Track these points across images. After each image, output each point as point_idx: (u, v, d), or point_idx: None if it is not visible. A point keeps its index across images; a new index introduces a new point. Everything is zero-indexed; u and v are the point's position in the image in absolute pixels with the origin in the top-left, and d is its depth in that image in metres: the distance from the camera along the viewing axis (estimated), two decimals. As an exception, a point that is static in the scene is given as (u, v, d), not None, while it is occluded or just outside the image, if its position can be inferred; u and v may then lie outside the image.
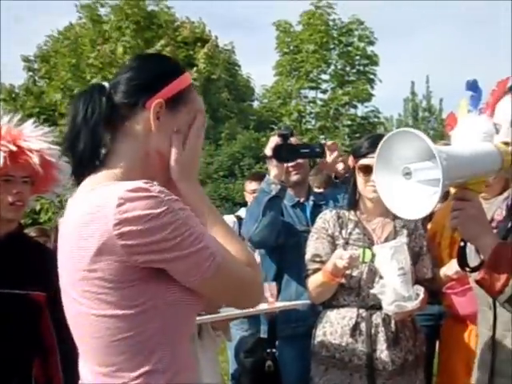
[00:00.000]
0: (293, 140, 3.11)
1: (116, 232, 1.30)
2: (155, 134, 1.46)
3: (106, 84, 1.52)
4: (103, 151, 1.49)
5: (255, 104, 20.74)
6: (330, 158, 3.18)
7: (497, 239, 1.79)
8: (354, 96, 17.95)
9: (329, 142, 3.28)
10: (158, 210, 1.31)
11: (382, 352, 2.66)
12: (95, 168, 1.46)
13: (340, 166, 3.36)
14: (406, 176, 1.70)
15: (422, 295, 2.63)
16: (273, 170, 3.08)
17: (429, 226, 3.18)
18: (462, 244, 1.87)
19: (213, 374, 2.81)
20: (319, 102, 18.66)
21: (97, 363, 1.41)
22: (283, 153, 3.01)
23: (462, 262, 1.90)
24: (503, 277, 1.74)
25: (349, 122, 18.55)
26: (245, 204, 5.30)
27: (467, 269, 1.89)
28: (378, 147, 1.75)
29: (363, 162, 2.77)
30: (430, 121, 23.11)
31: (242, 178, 13.49)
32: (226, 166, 15.10)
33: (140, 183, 1.34)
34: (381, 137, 2.79)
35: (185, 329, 1.45)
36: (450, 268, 2.86)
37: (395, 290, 2.60)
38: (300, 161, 3.20)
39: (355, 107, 18.46)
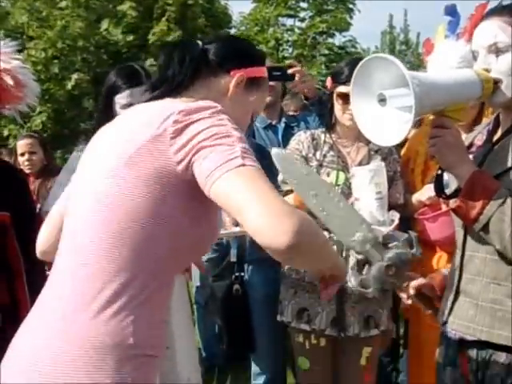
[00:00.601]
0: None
1: (172, 129, 1.36)
2: (227, 100, 1.59)
3: (200, 42, 1.64)
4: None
5: (233, 31, 20.36)
6: (297, 77, 3.09)
7: (473, 167, 1.74)
8: (332, 24, 17.67)
9: (287, 63, 3.20)
10: (211, 110, 1.39)
11: (352, 275, 2.65)
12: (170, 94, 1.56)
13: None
14: (380, 102, 1.66)
15: (396, 221, 2.60)
16: None
17: (402, 152, 3.13)
18: (439, 172, 1.84)
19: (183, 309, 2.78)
20: (297, 31, 18.37)
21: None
22: None
23: (439, 190, 1.87)
24: (478, 205, 1.69)
25: (326, 51, 18.33)
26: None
27: (443, 196, 1.86)
28: (354, 73, 1.70)
29: (342, 89, 2.70)
30: (406, 54, 23.04)
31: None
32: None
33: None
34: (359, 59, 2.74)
35: (175, 271, 1.48)
36: (423, 194, 2.83)
37: (371, 214, 2.56)
38: (271, 83, 3.11)
39: (333, 36, 18.22)
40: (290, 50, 18.40)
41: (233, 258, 3.26)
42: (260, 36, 18.02)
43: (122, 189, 1.38)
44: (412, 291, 2.02)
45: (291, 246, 1.24)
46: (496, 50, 1.77)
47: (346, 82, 2.64)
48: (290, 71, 3.03)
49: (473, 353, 1.81)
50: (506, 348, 1.74)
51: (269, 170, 2.90)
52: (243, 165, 1.30)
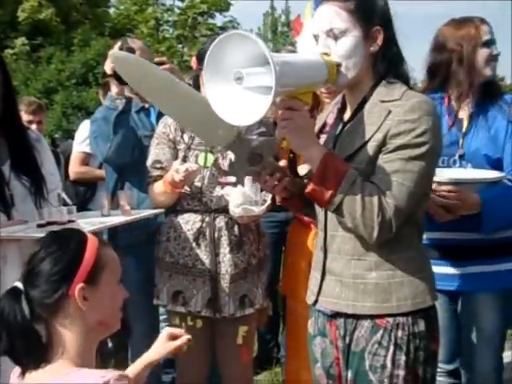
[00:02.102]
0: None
1: None
2: (87, 311, 1.51)
3: (19, 285, 1.51)
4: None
5: (111, 10, 19.86)
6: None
7: (324, 149, 1.80)
8: (212, 5, 17.64)
9: (156, 60, 3.13)
10: None
11: (225, 256, 2.66)
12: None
13: None
14: (237, 81, 1.64)
15: (269, 201, 2.62)
16: (114, 87, 2.96)
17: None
18: (292, 155, 1.88)
19: None
20: (177, 10, 18.20)
21: None
22: None
23: (292, 172, 1.94)
24: (331, 187, 1.76)
25: (207, 32, 18.29)
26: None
27: (299, 177, 1.93)
28: (208, 52, 1.66)
29: None
30: (288, 35, 23.36)
31: (97, 86, 13.00)
32: (79, 73, 14.44)
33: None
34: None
35: None
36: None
37: (244, 193, 2.57)
38: None
39: (213, 17, 18.20)
40: (171, 30, 18.24)
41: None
42: (139, 16, 17.75)
43: None
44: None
45: None
46: (333, 35, 1.84)
47: None
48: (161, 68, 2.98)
49: (340, 321, 1.92)
50: (369, 316, 1.87)
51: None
52: None
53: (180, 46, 17.34)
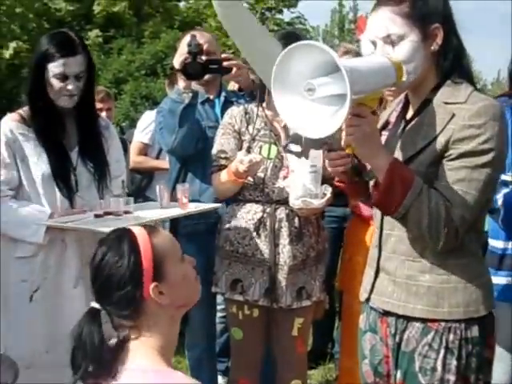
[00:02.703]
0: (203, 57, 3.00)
1: None
2: (168, 302, 1.53)
3: (96, 305, 1.53)
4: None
5: (181, 4, 20.15)
6: (233, 71, 3.08)
7: (389, 158, 1.77)
8: (281, 0, 17.66)
9: (223, 56, 3.15)
10: None
11: (285, 247, 2.69)
12: None
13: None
14: (308, 92, 1.61)
15: (328, 195, 2.63)
16: (181, 81, 3.01)
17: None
18: (356, 161, 1.87)
19: None
20: (245, 5, 18.28)
21: None
22: (191, 70, 2.94)
23: (353, 176, 1.94)
24: (397, 196, 1.74)
25: (275, 28, 18.31)
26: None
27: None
28: (276, 64, 1.64)
29: None
30: (355, 33, 23.13)
31: (165, 77, 13.20)
32: (148, 64, 14.71)
33: None
34: (296, 36, 2.73)
35: None
36: None
37: (304, 186, 2.59)
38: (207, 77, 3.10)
39: (281, 12, 18.21)
40: (239, 24, 18.39)
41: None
42: (208, 10, 17.88)
43: None
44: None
45: None
46: (391, 42, 1.81)
47: None
48: (225, 64, 3.02)
49: (392, 319, 1.91)
50: (419, 318, 1.85)
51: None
52: None
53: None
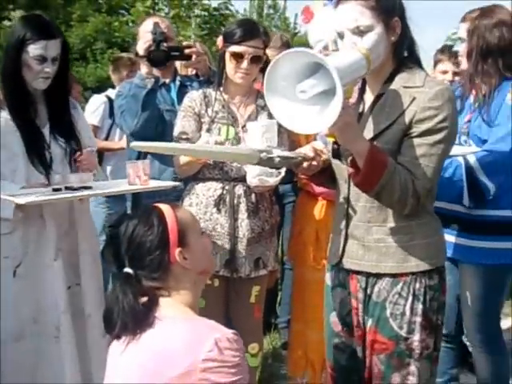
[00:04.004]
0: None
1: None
2: (191, 268, 1.79)
3: (129, 270, 1.76)
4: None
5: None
6: (193, 58, 3.27)
7: (368, 144, 2.01)
8: (208, -15, 17.65)
9: (184, 44, 3.34)
10: None
11: (243, 221, 2.90)
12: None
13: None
14: (301, 94, 1.85)
15: (283, 173, 2.83)
16: (144, 67, 3.19)
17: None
18: (336, 146, 2.09)
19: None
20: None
21: None
22: (155, 57, 3.15)
23: (338, 157, 2.16)
24: (376, 177, 1.99)
25: (201, 12, 18.29)
26: (99, 89, 5.41)
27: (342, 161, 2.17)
28: (266, 72, 1.87)
29: (235, 49, 2.89)
30: (273, 18, 23.28)
31: (94, 62, 13.12)
32: (77, 48, 14.56)
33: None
34: (254, 25, 2.98)
35: None
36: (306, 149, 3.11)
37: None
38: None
39: (209, -3, 18.19)
40: (167, 9, 18.25)
41: (128, 210, 3.44)
42: (136, -7, 17.75)
43: None
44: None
45: None
46: (359, 32, 2.05)
47: (240, 42, 2.87)
48: (186, 51, 3.21)
49: (362, 277, 2.19)
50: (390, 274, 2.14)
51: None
52: None
53: (174, 25, 17.33)
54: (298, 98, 1.86)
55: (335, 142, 2.05)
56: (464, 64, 2.87)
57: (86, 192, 2.67)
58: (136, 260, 1.76)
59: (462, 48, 2.87)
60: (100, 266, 2.96)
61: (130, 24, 17.10)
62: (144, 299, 1.75)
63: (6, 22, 15.41)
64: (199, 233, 1.88)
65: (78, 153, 2.82)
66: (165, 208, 1.82)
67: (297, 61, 1.84)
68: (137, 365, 1.70)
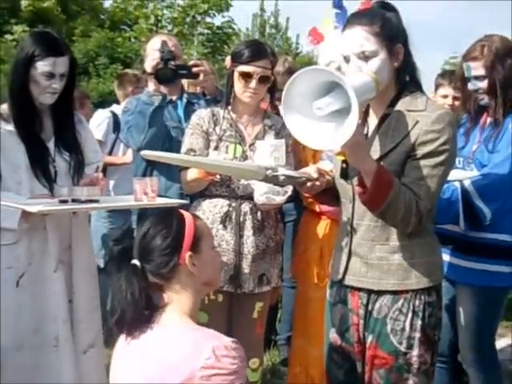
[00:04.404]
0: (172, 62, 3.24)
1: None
2: (197, 274, 1.82)
3: (136, 262, 1.81)
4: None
5: (109, 3, 20.02)
6: (201, 76, 3.33)
7: (375, 164, 2.08)
8: (214, 5, 17.83)
9: (192, 62, 3.39)
10: None
11: (249, 238, 2.95)
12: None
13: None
14: (318, 111, 1.94)
15: (289, 192, 2.88)
16: (151, 85, 3.26)
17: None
18: (344, 165, 2.14)
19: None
20: (178, 8, 18.32)
21: None
22: (163, 75, 3.20)
23: (346, 177, 2.20)
24: (383, 196, 2.07)
25: (205, 31, 18.46)
26: (102, 104, 5.48)
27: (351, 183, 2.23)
28: (284, 90, 1.95)
29: (244, 69, 2.96)
30: (275, 38, 23.41)
31: (97, 76, 13.21)
32: (80, 63, 14.63)
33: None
34: (262, 45, 3.05)
35: None
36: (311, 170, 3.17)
37: (268, 184, 2.85)
38: None
39: (212, 16, 18.39)
40: (170, 27, 18.42)
41: (133, 225, 3.47)
42: (139, 11, 17.89)
43: None
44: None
45: None
46: (364, 57, 2.14)
47: (248, 62, 2.94)
48: (195, 70, 3.28)
49: (364, 293, 2.25)
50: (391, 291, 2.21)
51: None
52: None
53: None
54: (313, 115, 1.95)
55: (344, 161, 2.11)
56: (486, 100, 2.92)
57: (93, 205, 2.71)
58: (146, 253, 1.81)
59: (483, 84, 2.90)
60: (95, 281, 3.00)
61: (133, 40, 17.28)
62: (148, 292, 1.80)
63: (9, 36, 15.52)
64: (212, 245, 1.94)
65: (84, 178, 2.85)
66: (186, 214, 1.89)
67: (314, 79, 1.92)
68: (140, 373, 1.75)
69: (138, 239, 1.85)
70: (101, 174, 2.86)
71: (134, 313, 1.77)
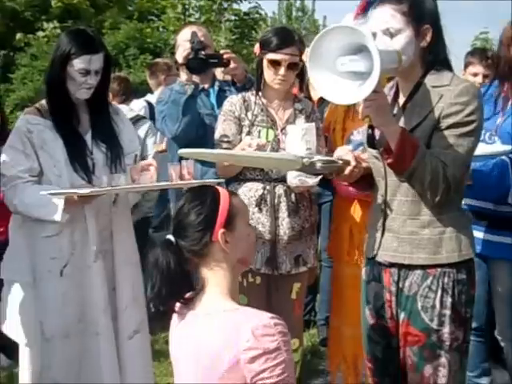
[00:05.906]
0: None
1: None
2: (230, 252, 1.81)
3: (171, 237, 1.80)
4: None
5: (136, -5, 20.09)
6: (232, 65, 3.38)
7: (399, 127, 2.14)
8: (240, -10, 17.79)
9: (226, 55, 3.44)
10: None
11: (284, 219, 3.01)
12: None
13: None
14: (341, 66, 2.01)
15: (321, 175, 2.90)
16: (183, 75, 3.31)
17: (325, 116, 3.46)
18: (370, 131, 2.22)
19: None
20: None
21: None
22: (194, 65, 3.26)
23: (372, 145, 2.27)
24: (408, 159, 2.12)
25: (232, 17, 18.42)
26: (134, 94, 5.58)
27: (377, 150, 2.27)
28: (311, 46, 2.03)
29: (272, 56, 3.01)
30: (302, 20, 23.27)
31: (127, 67, 13.32)
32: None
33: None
34: (290, 32, 3.09)
35: None
36: (343, 150, 3.20)
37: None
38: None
39: (238, 3, 18.34)
40: (197, 15, 18.44)
41: (172, 212, 3.55)
42: (166, 1, 17.93)
43: None
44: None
45: None
46: (389, 33, 2.20)
47: (276, 50, 2.99)
48: (225, 57, 3.33)
49: (395, 270, 2.30)
50: (421, 266, 2.25)
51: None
52: None
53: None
54: (337, 71, 2.02)
55: (370, 127, 2.17)
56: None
57: (133, 185, 2.81)
58: (180, 229, 1.81)
59: None
60: (138, 269, 3.05)
61: (161, 29, 17.35)
62: (185, 267, 1.80)
63: (40, 33, 15.71)
64: (247, 223, 1.92)
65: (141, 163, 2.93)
66: (222, 190, 1.87)
67: (343, 36, 2.00)
68: (193, 359, 1.78)
69: (174, 215, 1.86)
70: (154, 161, 2.92)
71: (171, 288, 1.78)
